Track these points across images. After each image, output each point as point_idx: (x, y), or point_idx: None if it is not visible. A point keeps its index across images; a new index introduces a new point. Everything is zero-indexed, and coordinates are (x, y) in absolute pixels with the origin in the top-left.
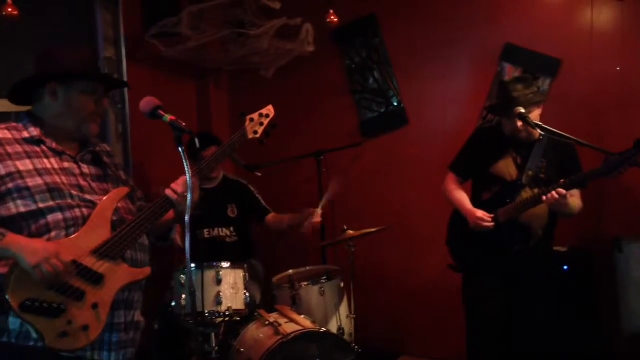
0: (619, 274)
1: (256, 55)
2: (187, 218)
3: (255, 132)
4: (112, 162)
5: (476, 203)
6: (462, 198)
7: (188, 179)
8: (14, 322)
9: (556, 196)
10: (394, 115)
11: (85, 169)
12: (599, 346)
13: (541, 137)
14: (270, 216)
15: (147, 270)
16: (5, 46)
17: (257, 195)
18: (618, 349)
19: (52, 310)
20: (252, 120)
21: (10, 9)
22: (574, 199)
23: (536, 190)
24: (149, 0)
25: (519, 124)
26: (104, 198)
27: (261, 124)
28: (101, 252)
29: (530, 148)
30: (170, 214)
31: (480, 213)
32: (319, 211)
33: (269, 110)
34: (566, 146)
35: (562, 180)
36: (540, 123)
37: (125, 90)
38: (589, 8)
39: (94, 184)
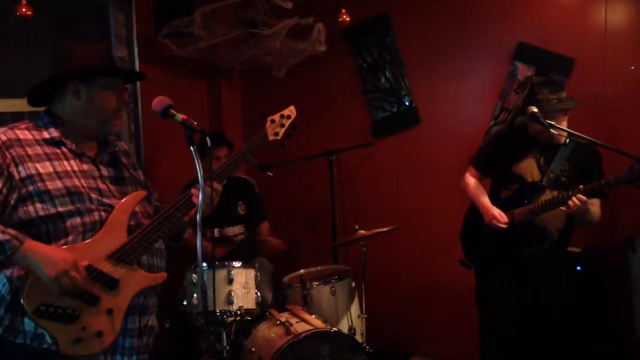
0: (632, 274)
1: (268, 54)
2: (198, 217)
3: (276, 134)
4: (130, 162)
5: (494, 200)
6: (481, 194)
7: (200, 178)
8: (29, 324)
9: (578, 203)
10: (405, 114)
11: (104, 171)
12: (613, 346)
13: (567, 142)
14: (264, 227)
15: (163, 276)
16: (18, 46)
17: (259, 195)
18: (631, 349)
19: (66, 316)
20: (272, 121)
21: (24, 9)
22: (594, 207)
23: (555, 193)
24: (162, 0)
25: (539, 125)
26: (121, 202)
27: (282, 125)
28: (116, 257)
29: (556, 151)
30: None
31: (497, 212)
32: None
33: (291, 111)
34: (591, 152)
35: (580, 186)
36: (553, 122)
37: (138, 89)
38: (602, 6)
39: (112, 187)
